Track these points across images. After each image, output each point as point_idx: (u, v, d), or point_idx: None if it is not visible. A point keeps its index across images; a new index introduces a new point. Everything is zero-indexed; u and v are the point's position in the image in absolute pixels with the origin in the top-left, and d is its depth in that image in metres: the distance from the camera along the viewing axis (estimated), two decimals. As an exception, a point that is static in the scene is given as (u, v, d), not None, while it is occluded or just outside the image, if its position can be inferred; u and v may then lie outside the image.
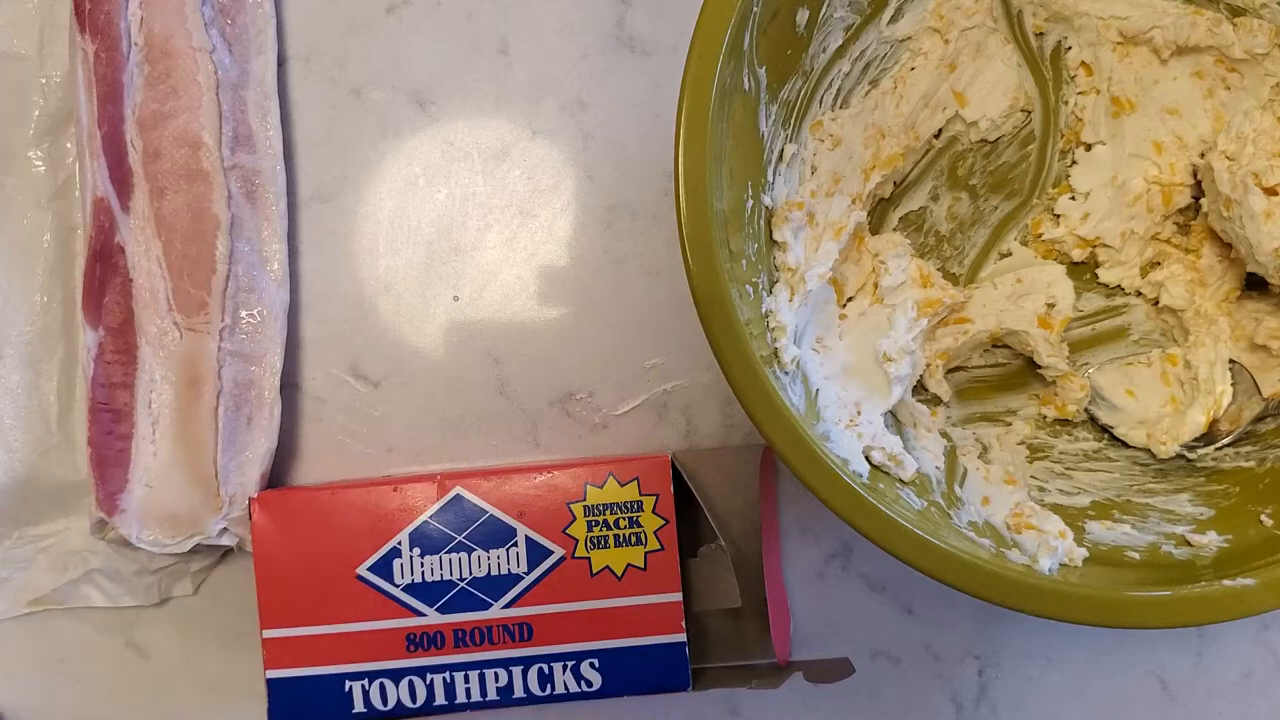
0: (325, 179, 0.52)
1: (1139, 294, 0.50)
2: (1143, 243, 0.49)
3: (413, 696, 0.48)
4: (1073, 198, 0.50)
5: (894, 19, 0.48)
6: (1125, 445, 0.49)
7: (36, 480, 0.51)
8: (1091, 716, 0.51)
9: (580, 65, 0.52)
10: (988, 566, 0.40)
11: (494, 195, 0.52)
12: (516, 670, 0.48)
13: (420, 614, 0.48)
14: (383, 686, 0.47)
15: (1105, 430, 0.49)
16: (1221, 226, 0.47)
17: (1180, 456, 0.48)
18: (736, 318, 0.39)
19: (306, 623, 0.47)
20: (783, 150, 0.46)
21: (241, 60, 0.51)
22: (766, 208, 0.45)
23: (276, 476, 0.51)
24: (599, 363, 0.52)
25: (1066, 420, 0.49)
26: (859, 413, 0.45)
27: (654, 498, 0.48)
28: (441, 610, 0.48)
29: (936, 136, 0.50)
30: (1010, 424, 0.50)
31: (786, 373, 0.43)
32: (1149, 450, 0.48)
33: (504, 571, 0.48)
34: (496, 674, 0.48)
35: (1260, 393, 0.47)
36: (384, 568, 0.48)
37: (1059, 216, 0.50)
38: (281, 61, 0.52)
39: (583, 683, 0.48)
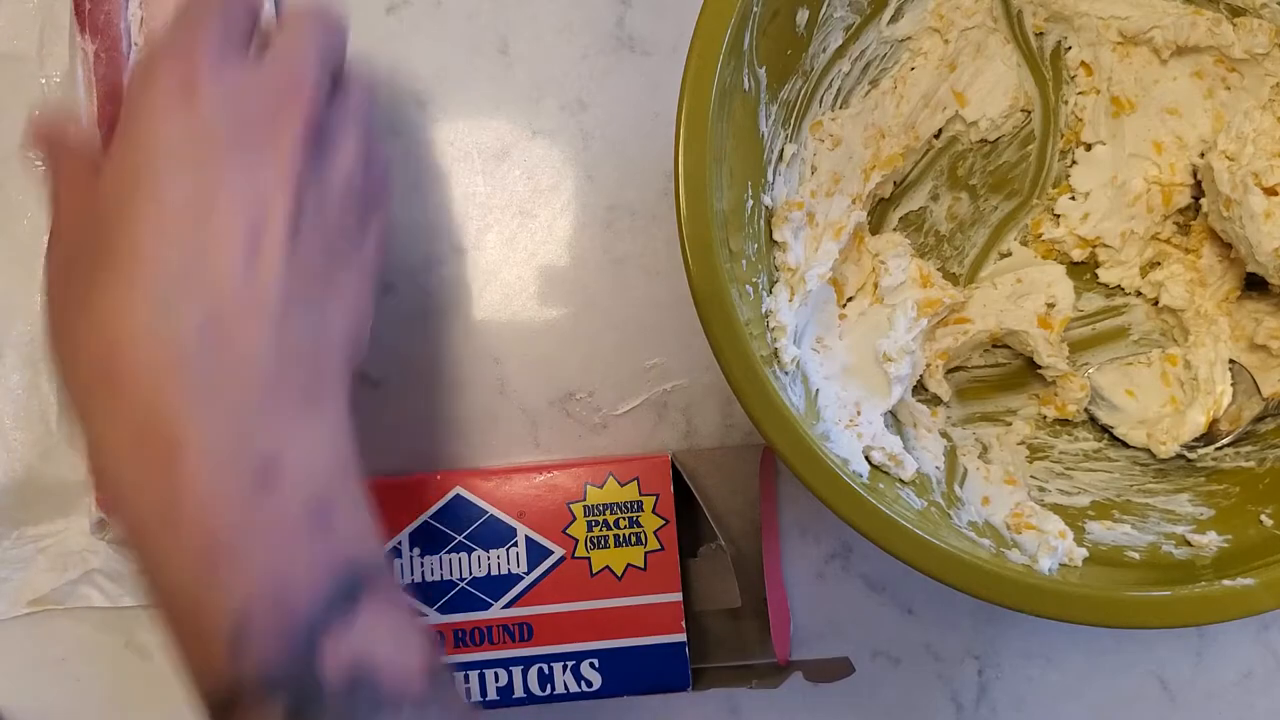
0: (325, 179, 0.52)
1: (1139, 294, 0.50)
2: (1143, 243, 0.49)
3: (413, 696, 0.48)
4: (1073, 198, 0.50)
5: (894, 19, 0.48)
6: (1125, 445, 0.49)
7: (36, 480, 0.51)
8: (1091, 716, 0.51)
9: (580, 65, 0.52)
10: (988, 566, 0.40)
11: (494, 195, 0.52)
12: (516, 670, 0.48)
13: (420, 614, 0.48)
14: (383, 686, 0.47)
15: (1105, 430, 0.49)
16: (1221, 226, 0.47)
17: (1180, 456, 0.48)
18: (736, 318, 0.39)
19: (306, 623, 0.47)
20: (783, 150, 0.46)
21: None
22: (766, 208, 0.45)
23: (276, 476, 0.51)
24: (599, 363, 0.52)
25: (1066, 420, 0.49)
26: (859, 413, 0.45)
27: (654, 498, 0.48)
28: (441, 610, 0.48)
29: (936, 136, 0.50)
30: (1010, 424, 0.50)
31: (786, 373, 0.43)
32: (1149, 450, 0.48)
33: (504, 571, 0.48)
34: (496, 674, 0.48)
35: (1260, 393, 0.47)
36: (384, 568, 0.47)
37: (1059, 216, 0.50)
38: (281, 61, 0.52)
39: (583, 683, 0.48)
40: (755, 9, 0.41)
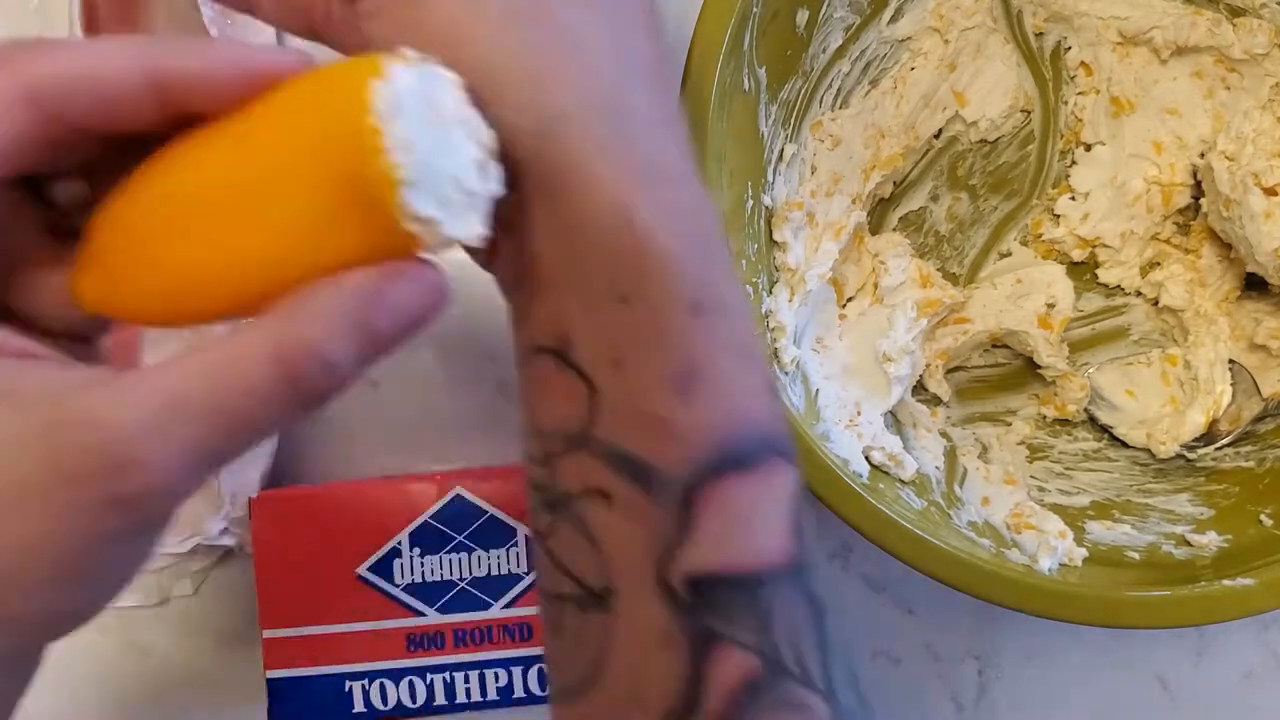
0: (325, 179, 0.52)
1: (1139, 294, 0.50)
2: (1142, 243, 0.49)
3: (413, 696, 0.48)
4: (1072, 198, 0.50)
5: (894, 19, 0.48)
6: (1125, 445, 0.49)
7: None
8: (1091, 716, 0.51)
9: (580, 65, 0.52)
10: (987, 566, 0.40)
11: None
12: (517, 670, 0.48)
13: (420, 614, 0.48)
14: (383, 686, 0.47)
15: (1105, 430, 0.49)
16: (1221, 226, 0.47)
17: (1180, 456, 0.48)
18: (736, 318, 0.39)
19: (306, 623, 0.47)
20: (783, 150, 0.46)
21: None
22: (766, 208, 0.45)
23: (276, 476, 0.51)
24: (599, 363, 0.52)
25: (1066, 420, 0.49)
26: (859, 413, 0.45)
27: (654, 498, 0.48)
28: (441, 610, 0.48)
29: (936, 136, 0.50)
30: (1010, 424, 0.50)
31: (786, 373, 0.43)
32: (1149, 450, 0.48)
33: (504, 571, 0.48)
34: (497, 674, 0.48)
35: (1260, 393, 0.47)
36: (384, 568, 0.48)
37: (1059, 216, 0.50)
38: (281, 62, 0.52)
39: (583, 683, 0.48)
40: (755, 9, 0.41)
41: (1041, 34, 0.50)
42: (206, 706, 0.52)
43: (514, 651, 0.48)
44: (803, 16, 0.44)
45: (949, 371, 0.50)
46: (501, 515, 0.48)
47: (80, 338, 0.31)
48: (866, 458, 0.44)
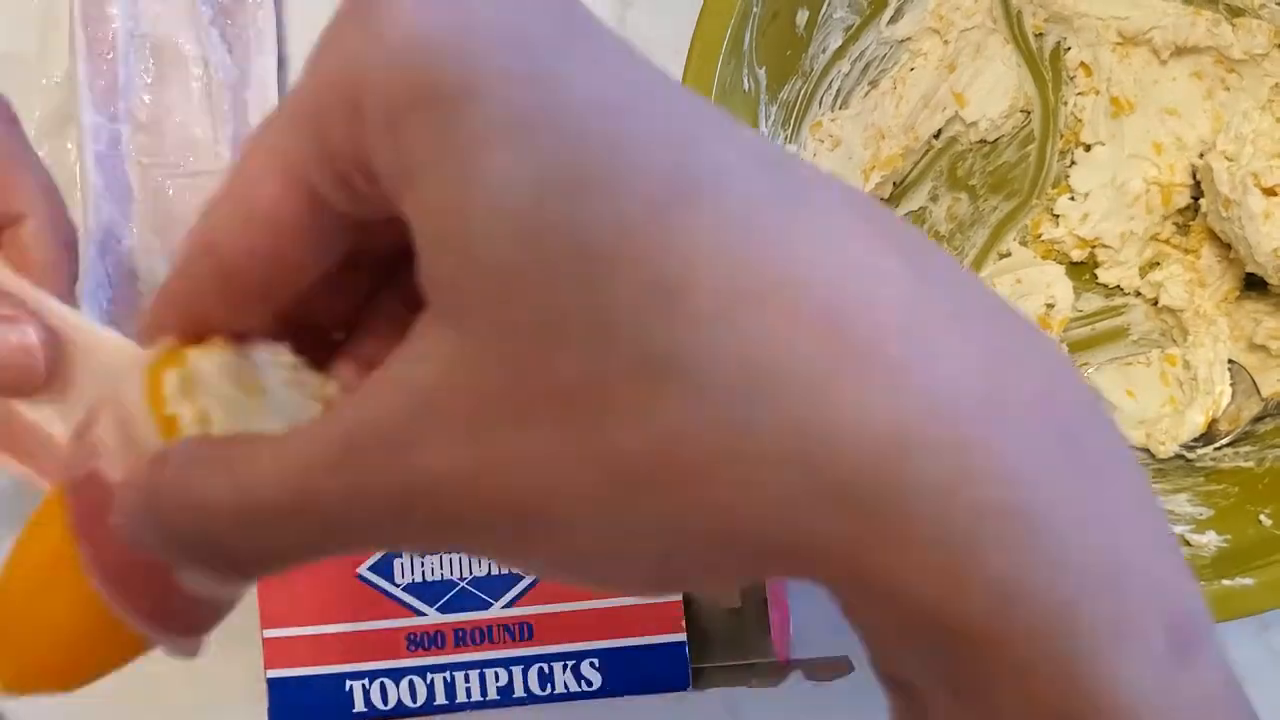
0: (325, 179, 0.52)
1: (1138, 294, 0.50)
2: (1142, 243, 0.49)
3: (413, 696, 0.48)
4: (1072, 198, 0.50)
5: (894, 19, 0.48)
6: (1124, 445, 0.49)
7: (37, 481, 0.51)
8: (1091, 716, 0.51)
9: (580, 66, 0.52)
10: (987, 566, 0.40)
11: (494, 195, 0.52)
12: (517, 670, 0.48)
13: (420, 614, 0.48)
14: (383, 686, 0.48)
15: (1105, 430, 0.49)
16: (1221, 227, 0.47)
17: (1179, 456, 0.48)
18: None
19: (306, 623, 0.47)
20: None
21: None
22: (766, 208, 0.45)
23: (277, 476, 0.51)
24: (599, 363, 0.52)
25: (1066, 420, 0.49)
26: (859, 413, 0.45)
27: (654, 497, 0.48)
28: (442, 610, 0.48)
29: (936, 137, 0.50)
30: (1010, 424, 0.50)
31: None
32: (1148, 450, 0.48)
33: (504, 571, 0.48)
34: (497, 673, 0.48)
35: (1259, 393, 0.47)
36: (384, 567, 0.48)
37: (1058, 217, 0.50)
38: (282, 62, 0.52)
39: (583, 682, 0.48)
40: (755, 9, 0.41)
41: (1041, 34, 0.50)
42: (206, 706, 0.52)
43: (514, 651, 0.48)
44: (803, 17, 0.44)
45: (949, 371, 0.50)
46: (501, 515, 0.48)
47: None
48: (866, 457, 0.44)
